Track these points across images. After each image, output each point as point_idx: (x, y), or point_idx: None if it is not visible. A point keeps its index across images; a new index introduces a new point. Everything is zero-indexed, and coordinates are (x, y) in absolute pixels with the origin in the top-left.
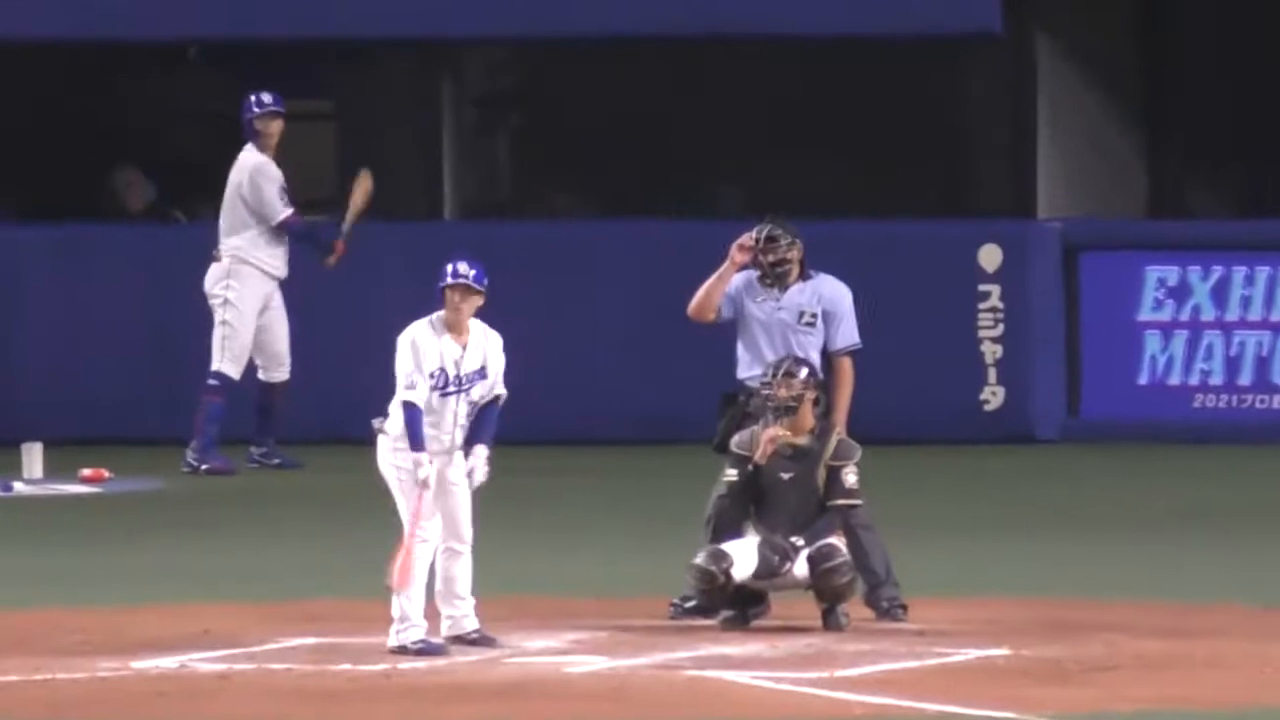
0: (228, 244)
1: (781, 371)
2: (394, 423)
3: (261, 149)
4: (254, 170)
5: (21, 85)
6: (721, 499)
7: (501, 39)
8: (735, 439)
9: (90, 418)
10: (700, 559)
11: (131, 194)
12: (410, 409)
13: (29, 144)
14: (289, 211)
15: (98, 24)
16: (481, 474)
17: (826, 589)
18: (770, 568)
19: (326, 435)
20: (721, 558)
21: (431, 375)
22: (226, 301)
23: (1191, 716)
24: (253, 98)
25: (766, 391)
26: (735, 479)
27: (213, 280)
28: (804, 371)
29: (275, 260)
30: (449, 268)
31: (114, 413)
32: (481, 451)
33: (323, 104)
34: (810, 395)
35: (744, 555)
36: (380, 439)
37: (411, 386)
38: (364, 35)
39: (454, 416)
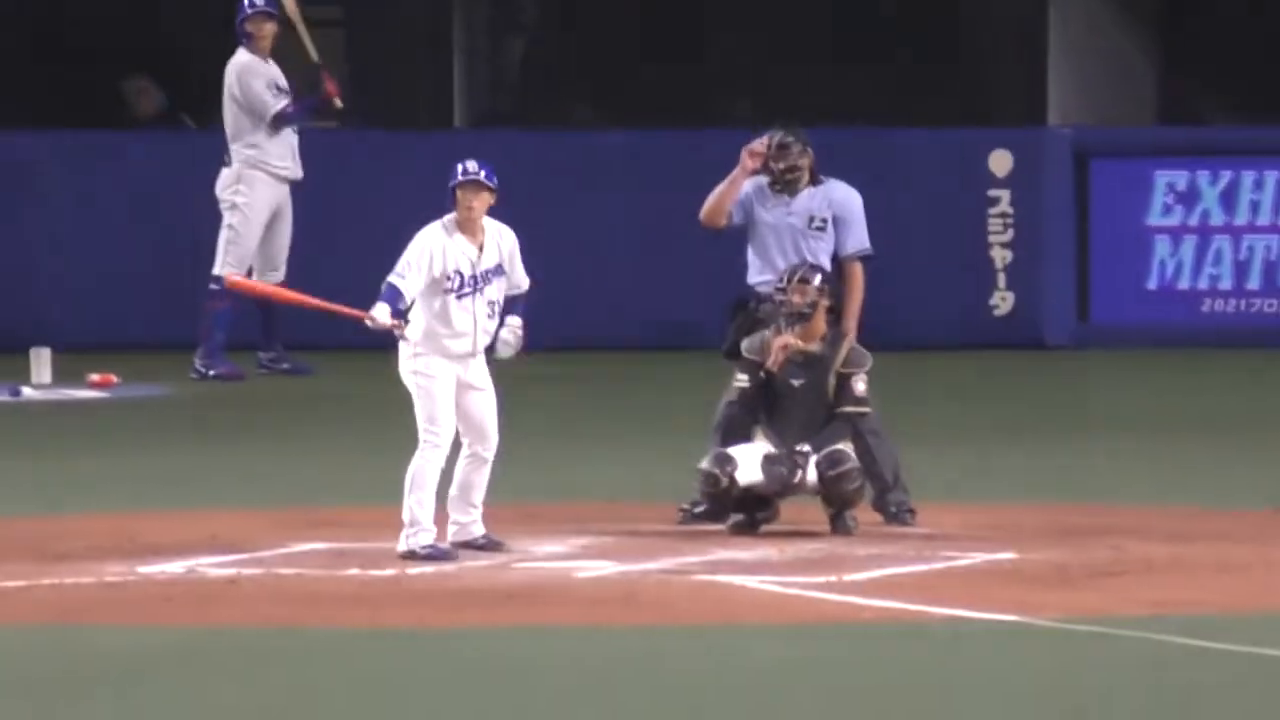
0: (236, 149)
1: (796, 278)
2: (414, 329)
3: (253, 51)
4: (240, 70)
5: None
6: (730, 404)
7: None
8: (746, 344)
9: (100, 323)
10: (705, 462)
11: (143, 100)
12: (391, 289)
13: (41, 52)
14: (280, 104)
15: None
16: (513, 341)
17: (834, 495)
18: (781, 482)
19: (338, 343)
20: (726, 461)
21: (448, 277)
22: (235, 206)
23: (1197, 620)
24: (245, 1)
25: (780, 298)
26: (746, 384)
27: (223, 185)
28: (818, 278)
29: (284, 162)
30: (458, 167)
31: (124, 319)
32: (514, 321)
33: (331, 9)
34: (824, 302)
35: (749, 459)
36: (401, 345)
37: (402, 276)
38: None
39: (473, 319)
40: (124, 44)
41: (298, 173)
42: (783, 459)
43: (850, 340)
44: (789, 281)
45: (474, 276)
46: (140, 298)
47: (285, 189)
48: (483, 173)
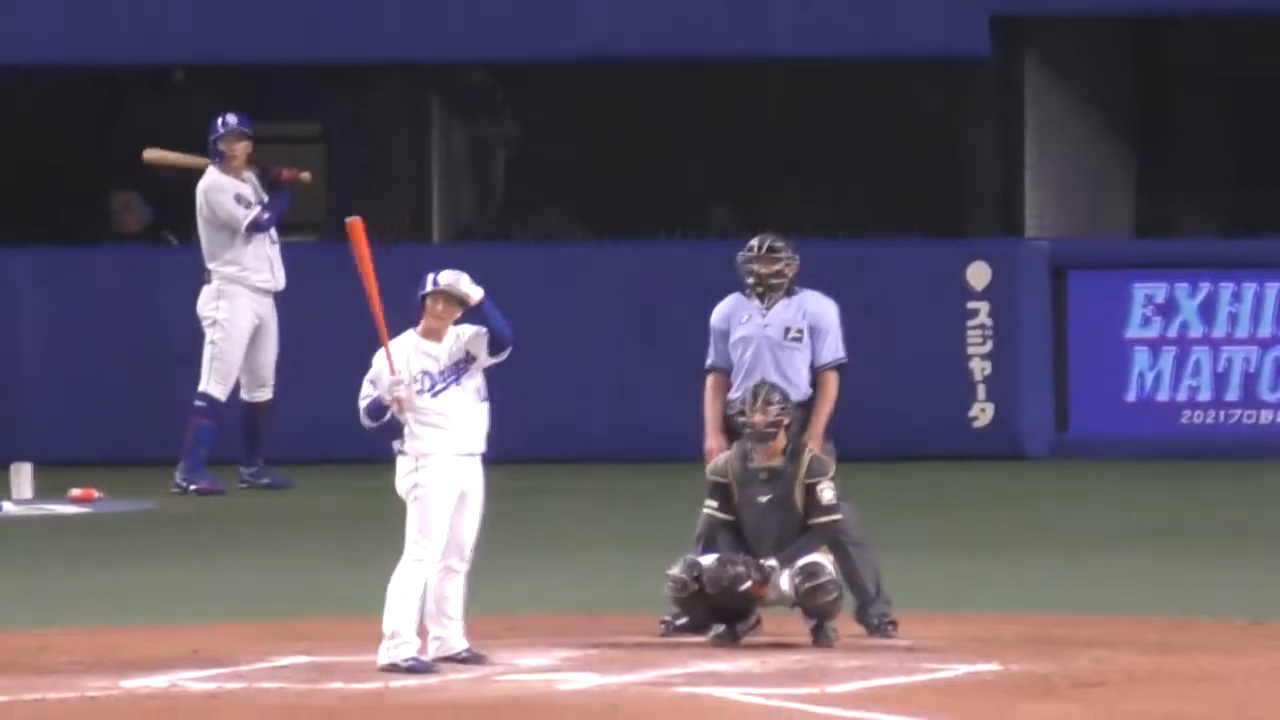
0: (214, 267)
1: (760, 399)
2: (409, 442)
3: (226, 170)
4: (205, 190)
5: (14, 109)
6: (709, 519)
7: (490, 61)
8: (710, 467)
9: (81, 439)
10: (674, 568)
11: (127, 217)
12: (368, 407)
13: (24, 167)
14: (251, 213)
15: (90, 48)
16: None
17: (811, 607)
18: (724, 581)
19: (318, 455)
20: (694, 566)
21: (416, 379)
22: (216, 322)
23: None
24: (219, 119)
25: (742, 419)
26: (715, 508)
27: (204, 302)
28: (779, 398)
29: (263, 274)
30: (430, 277)
31: (105, 434)
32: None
33: (311, 127)
34: (786, 421)
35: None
36: (400, 460)
37: (371, 389)
38: (353, 58)
39: (461, 410)
40: (107, 160)
41: (278, 284)
42: (738, 563)
43: (813, 449)
44: (752, 402)
45: (442, 372)
46: (121, 412)
47: (268, 301)
48: (444, 280)
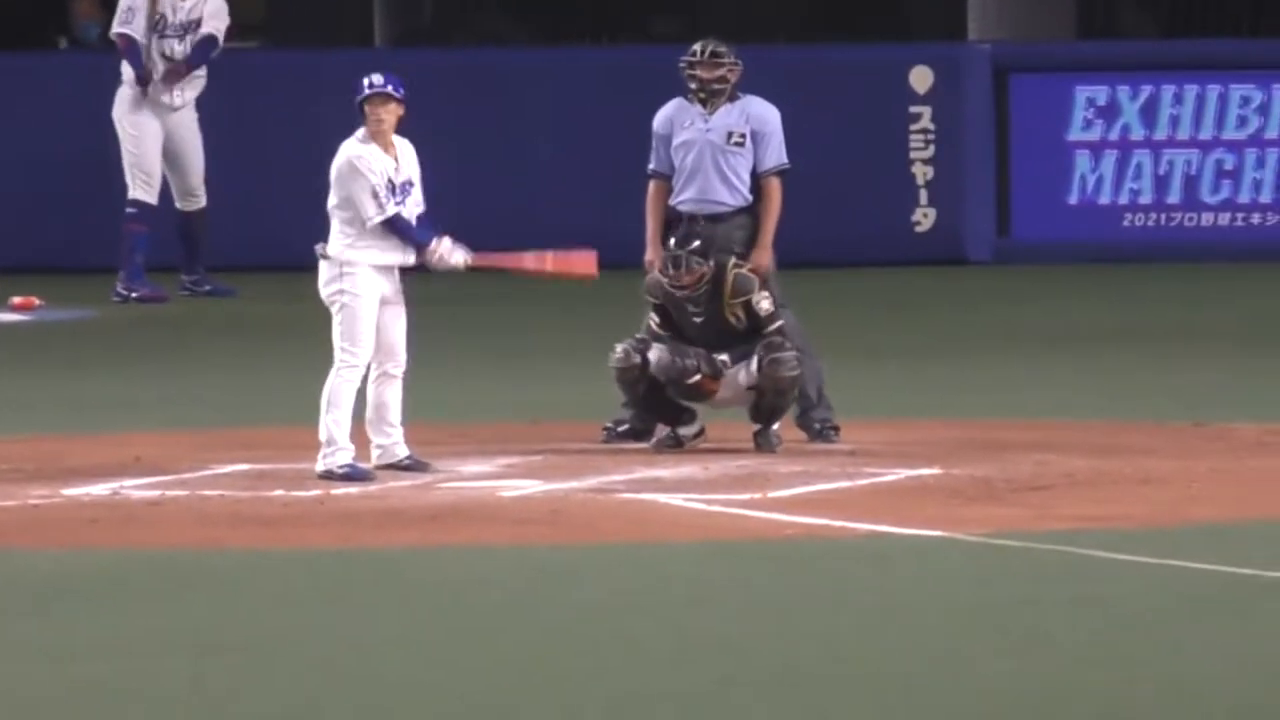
0: (123, 71)
1: (683, 265)
2: (334, 246)
3: None
4: None
5: None
6: (652, 331)
7: None
8: (645, 286)
9: (21, 246)
10: (619, 345)
11: (85, 5)
12: (392, 221)
13: None
14: (117, 28)
15: None
16: (458, 253)
17: (770, 383)
18: (673, 371)
19: (259, 262)
20: (641, 344)
21: (387, 194)
22: (123, 128)
23: (1120, 534)
24: None
25: (673, 287)
26: (658, 323)
27: (116, 107)
28: (699, 262)
29: (160, 94)
30: (364, 81)
31: (46, 241)
32: (446, 239)
33: None
34: (707, 271)
35: (664, 349)
36: (322, 265)
37: (381, 205)
38: None
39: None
40: None
41: (175, 104)
42: (689, 355)
43: (733, 268)
44: (675, 269)
45: (395, 187)
46: (62, 220)
47: (174, 117)
48: (389, 85)
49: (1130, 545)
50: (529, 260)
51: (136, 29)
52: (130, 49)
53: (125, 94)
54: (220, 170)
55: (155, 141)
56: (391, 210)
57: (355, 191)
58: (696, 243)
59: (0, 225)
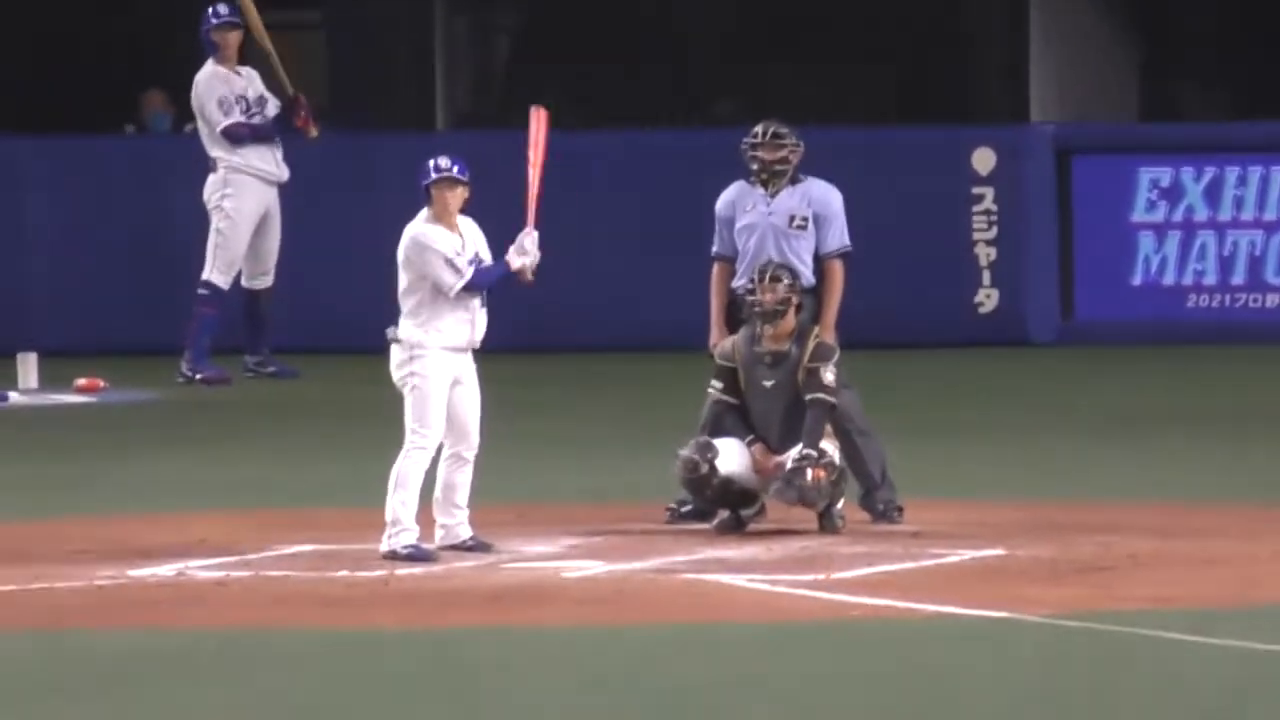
0: (219, 155)
1: (767, 277)
2: (405, 330)
3: (220, 61)
4: (197, 83)
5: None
6: (715, 404)
7: None
8: (718, 350)
9: (87, 328)
10: (685, 450)
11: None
12: (471, 283)
13: (32, 56)
14: (227, 120)
15: None
16: (526, 245)
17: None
18: (750, 481)
19: (322, 345)
20: (707, 448)
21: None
22: (221, 210)
23: (1184, 615)
24: (209, 10)
25: (751, 298)
26: (721, 389)
27: (210, 189)
28: (787, 276)
29: (267, 164)
30: (430, 165)
31: (111, 323)
32: (510, 252)
33: (311, 13)
34: (795, 300)
35: (731, 450)
36: (394, 349)
37: (457, 271)
38: None
39: (469, 308)
40: (114, 48)
41: (282, 175)
42: (796, 474)
43: (819, 335)
44: (760, 281)
45: (469, 262)
46: (127, 302)
47: (273, 192)
48: (455, 168)
49: (1195, 627)
50: (535, 180)
51: (236, 116)
52: (252, 130)
53: (221, 178)
54: (281, 251)
55: (249, 228)
56: (469, 274)
57: (429, 266)
58: (785, 273)
59: (66, 308)
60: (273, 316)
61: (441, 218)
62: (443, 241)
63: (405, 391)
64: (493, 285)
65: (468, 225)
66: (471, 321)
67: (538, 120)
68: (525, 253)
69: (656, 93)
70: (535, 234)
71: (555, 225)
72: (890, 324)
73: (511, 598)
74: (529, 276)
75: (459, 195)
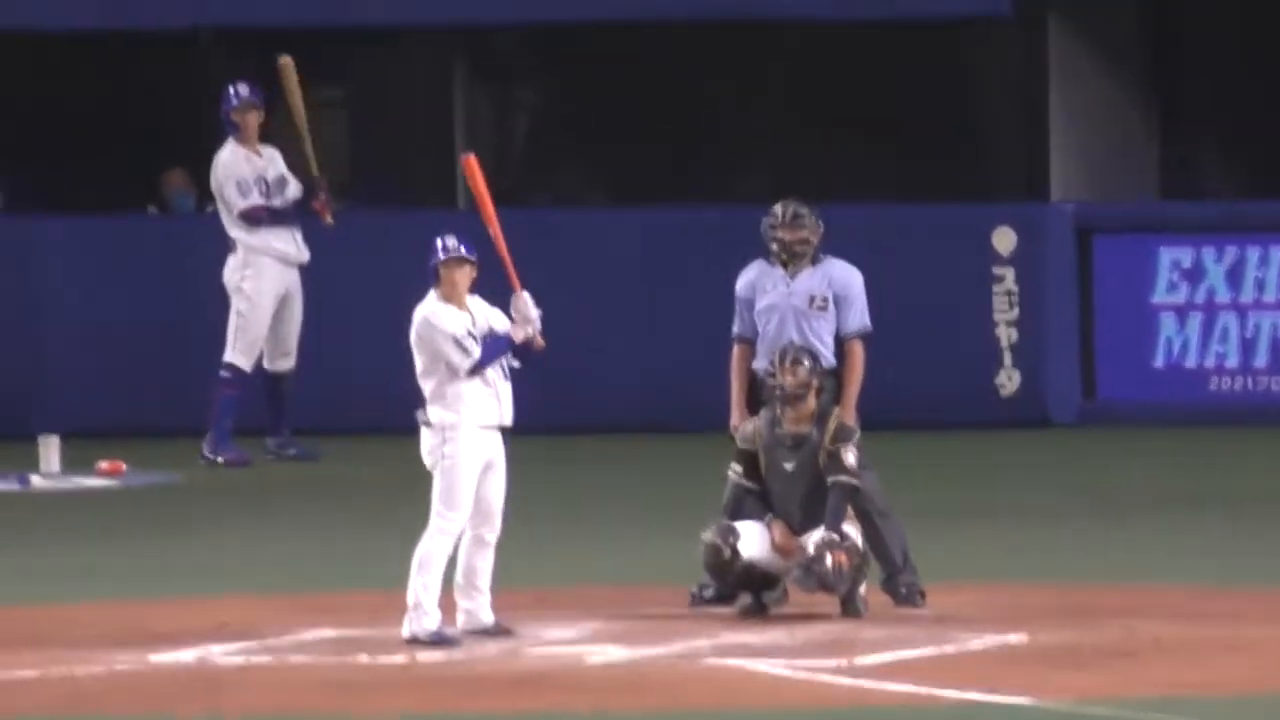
0: (240, 236)
1: (789, 359)
2: (435, 413)
3: (241, 141)
4: (216, 165)
5: (33, 74)
6: (735, 487)
7: (516, 24)
8: (739, 433)
9: (108, 411)
10: (708, 534)
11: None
12: (481, 362)
13: (47, 133)
14: (245, 202)
15: (115, 10)
16: (520, 306)
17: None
18: (816, 582)
19: (344, 426)
20: (729, 532)
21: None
22: (241, 292)
23: (1209, 701)
24: (230, 90)
25: (772, 380)
26: (741, 474)
27: (230, 271)
28: (809, 359)
29: (287, 246)
30: (438, 244)
31: (132, 406)
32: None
33: (335, 91)
34: (815, 384)
35: (753, 534)
36: (424, 431)
37: (466, 352)
38: (378, 21)
39: (489, 382)
40: (129, 128)
41: (303, 256)
42: (815, 561)
43: (839, 416)
44: (781, 363)
45: (475, 338)
46: (147, 384)
47: (293, 273)
48: (462, 248)
49: (1220, 712)
50: (498, 235)
51: (255, 198)
52: (270, 213)
53: (241, 259)
54: (306, 330)
55: (269, 310)
56: (478, 353)
57: (439, 347)
58: (807, 355)
59: (86, 389)
60: (293, 398)
61: (451, 297)
62: (452, 322)
63: (436, 473)
64: (502, 357)
65: (476, 303)
66: (496, 396)
67: (470, 171)
68: (526, 320)
69: (677, 170)
70: (526, 294)
71: (570, 302)
72: (911, 405)
73: (534, 683)
74: (539, 341)
75: (467, 274)
